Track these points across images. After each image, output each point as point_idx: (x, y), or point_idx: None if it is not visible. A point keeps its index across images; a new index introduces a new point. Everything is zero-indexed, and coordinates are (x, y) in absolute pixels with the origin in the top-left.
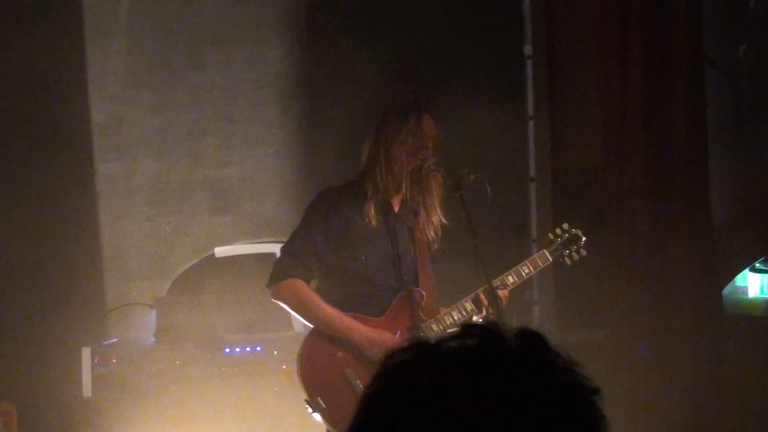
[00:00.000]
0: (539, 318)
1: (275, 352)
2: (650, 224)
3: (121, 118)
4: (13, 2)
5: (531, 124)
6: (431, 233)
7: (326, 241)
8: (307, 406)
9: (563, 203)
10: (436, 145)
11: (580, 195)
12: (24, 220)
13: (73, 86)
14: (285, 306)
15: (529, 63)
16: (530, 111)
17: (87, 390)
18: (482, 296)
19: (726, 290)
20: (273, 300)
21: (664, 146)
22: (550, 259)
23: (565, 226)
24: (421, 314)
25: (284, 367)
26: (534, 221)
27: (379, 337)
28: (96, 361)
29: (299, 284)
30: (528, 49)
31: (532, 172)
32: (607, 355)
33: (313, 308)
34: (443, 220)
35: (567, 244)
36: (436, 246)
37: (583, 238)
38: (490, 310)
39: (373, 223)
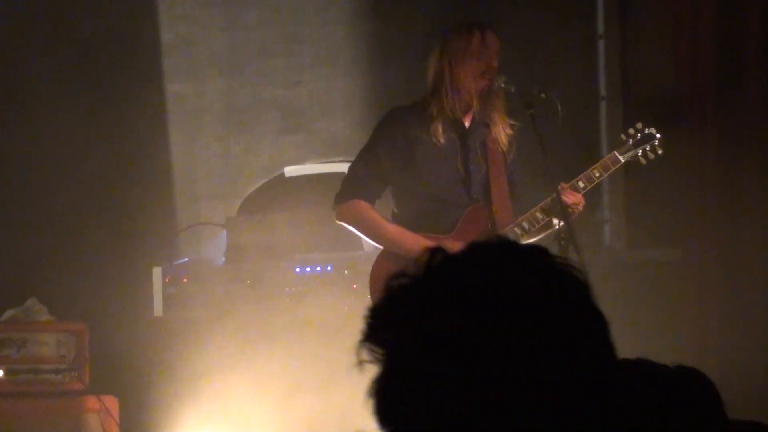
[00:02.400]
0: (610, 237)
1: (346, 272)
2: (722, 140)
3: (190, 37)
4: None
5: (601, 42)
6: (505, 144)
7: (392, 162)
8: None
9: (634, 122)
10: (498, 62)
11: (651, 113)
12: (94, 140)
13: (142, 5)
14: (349, 227)
15: None
16: (601, 29)
17: (158, 309)
18: (552, 204)
19: None
20: (337, 222)
21: (737, 58)
22: (621, 160)
23: (639, 125)
24: (490, 227)
25: (355, 286)
26: (604, 140)
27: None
28: (167, 280)
29: (361, 205)
30: None
31: (603, 91)
32: (679, 274)
33: (375, 227)
34: (510, 131)
35: (640, 143)
36: (511, 156)
37: (658, 135)
38: (561, 219)
39: (441, 141)
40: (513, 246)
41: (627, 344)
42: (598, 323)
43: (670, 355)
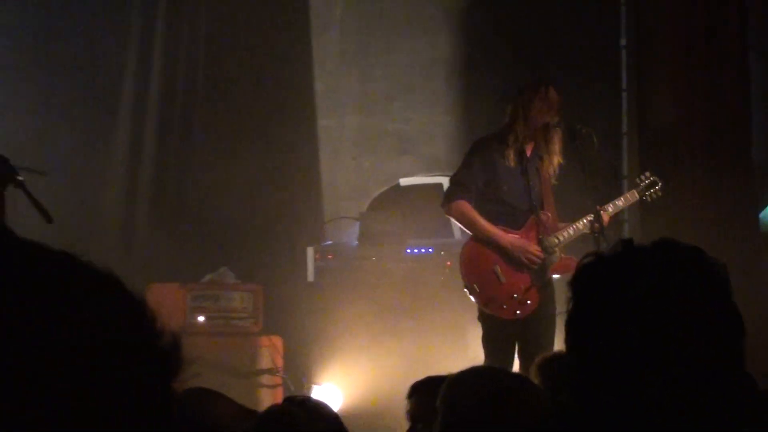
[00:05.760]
0: (629, 233)
1: (442, 253)
2: (707, 166)
3: (335, 86)
4: (257, 10)
5: (624, 94)
6: (551, 171)
7: (480, 175)
8: (466, 290)
9: (646, 150)
10: (559, 108)
11: (657, 145)
12: (266, 161)
13: (301, 64)
14: (453, 220)
15: (624, 52)
16: (624, 84)
17: (311, 276)
18: (591, 218)
19: (762, 213)
20: (446, 215)
21: (717, 110)
22: (637, 197)
23: (648, 173)
24: (545, 229)
25: (448, 263)
26: (625, 164)
27: (519, 242)
28: (317, 257)
29: (464, 204)
30: (623, 41)
31: (625, 129)
32: None
33: (473, 221)
34: (561, 160)
35: (648, 186)
36: (554, 182)
37: (660, 183)
38: (596, 227)
39: (512, 164)
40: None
41: None
42: (736, 327)
43: None
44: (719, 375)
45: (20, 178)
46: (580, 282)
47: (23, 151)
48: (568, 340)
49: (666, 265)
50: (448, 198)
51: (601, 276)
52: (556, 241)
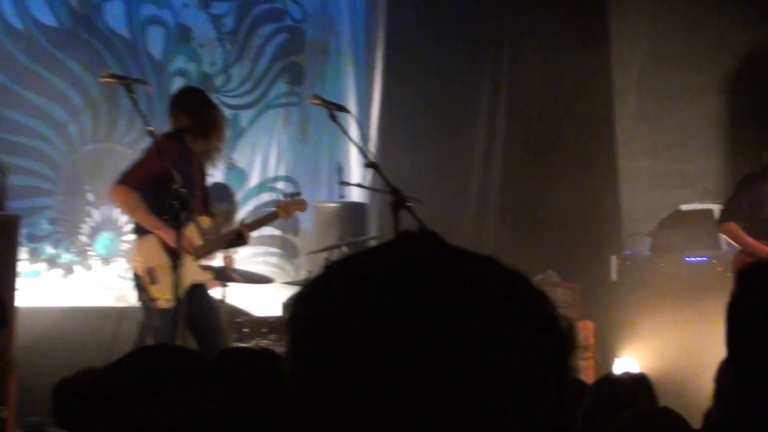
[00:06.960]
0: None
1: (714, 261)
2: None
3: (631, 136)
4: (573, 80)
5: None
6: None
7: (745, 202)
8: None
9: None
10: None
11: None
12: (581, 191)
13: (605, 119)
14: (725, 236)
15: None
16: None
17: (614, 277)
18: None
19: None
20: (719, 233)
21: None
22: None
23: None
24: None
25: (719, 269)
26: None
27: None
28: (618, 262)
29: (731, 224)
30: None
31: None
32: None
33: (737, 237)
34: None
35: None
36: None
37: None
38: None
39: None
40: None
41: None
42: None
43: None
44: None
45: (409, 204)
46: (738, 283)
47: (409, 182)
48: (726, 334)
49: None
50: (719, 220)
51: (755, 279)
52: None
